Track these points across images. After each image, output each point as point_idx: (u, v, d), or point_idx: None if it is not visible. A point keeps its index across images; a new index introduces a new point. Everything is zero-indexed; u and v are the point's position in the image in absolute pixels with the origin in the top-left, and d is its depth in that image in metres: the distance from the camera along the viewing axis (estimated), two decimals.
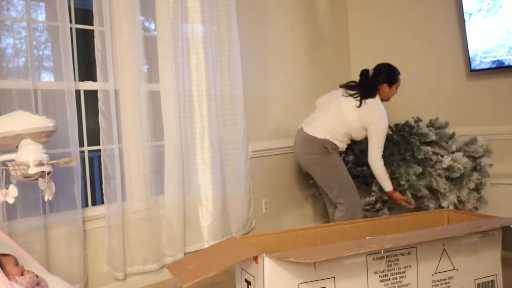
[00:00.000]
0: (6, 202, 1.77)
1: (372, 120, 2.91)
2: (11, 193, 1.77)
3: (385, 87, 3.01)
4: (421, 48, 3.84)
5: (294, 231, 2.13)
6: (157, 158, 2.81)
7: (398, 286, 1.84)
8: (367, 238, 1.93)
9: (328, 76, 3.99)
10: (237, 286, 1.91)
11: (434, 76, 3.78)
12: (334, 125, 2.95)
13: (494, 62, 3.39)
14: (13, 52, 2.31)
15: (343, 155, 3.21)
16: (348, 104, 2.96)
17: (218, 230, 3.02)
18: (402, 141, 3.08)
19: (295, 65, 3.75)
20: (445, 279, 1.93)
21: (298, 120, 3.21)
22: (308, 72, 3.85)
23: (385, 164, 2.97)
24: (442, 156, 3.00)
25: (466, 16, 3.47)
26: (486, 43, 3.40)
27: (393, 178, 3.03)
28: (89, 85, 2.64)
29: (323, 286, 1.72)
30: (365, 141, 3.07)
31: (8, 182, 1.81)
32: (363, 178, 3.24)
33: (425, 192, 2.99)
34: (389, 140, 3.06)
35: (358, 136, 3.02)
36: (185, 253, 2.90)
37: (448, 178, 2.98)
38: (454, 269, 1.94)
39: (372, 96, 2.95)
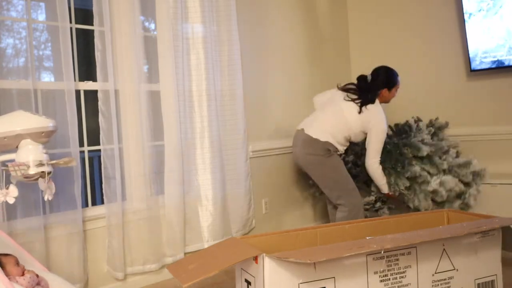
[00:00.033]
0: (6, 202, 1.77)
1: (372, 125, 2.92)
2: (12, 193, 1.77)
3: (385, 92, 3.02)
4: (421, 48, 3.84)
5: (294, 231, 2.13)
6: (157, 158, 2.81)
7: (398, 286, 1.85)
8: (367, 238, 1.93)
9: (328, 76, 3.99)
10: (237, 286, 1.91)
11: (434, 76, 3.78)
12: (335, 128, 2.96)
13: (494, 62, 3.39)
14: (13, 52, 2.31)
15: (343, 155, 3.21)
16: (349, 109, 2.96)
17: (218, 230, 3.02)
18: (394, 151, 3.05)
19: (295, 65, 3.75)
20: (445, 279, 1.93)
21: (298, 120, 3.21)
22: (308, 72, 3.85)
23: None
24: (431, 175, 3.00)
25: (466, 16, 3.47)
26: (486, 43, 3.40)
27: None
28: (89, 85, 2.64)
29: (323, 286, 1.72)
30: (361, 144, 3.08)
31: (8, 182, 1.81)
32: (363, 178, 3.24)
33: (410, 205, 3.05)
34: (383, 148, 3.05)
35: (357, 139, 3.04)
36: (185, 253, 2.90)
37: (433, 199, 3.01)
38: (454, 269, 1.94)
39: (372, 102, 2.96)
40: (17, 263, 1.82)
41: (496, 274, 2.04)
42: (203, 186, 3.00)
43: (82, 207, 2.50)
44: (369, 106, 2.94)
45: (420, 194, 2.97)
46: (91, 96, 2.72)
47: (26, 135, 1.80)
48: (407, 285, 1.86)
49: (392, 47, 4.00)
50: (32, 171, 1.80)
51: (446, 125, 3.31)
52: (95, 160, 3.42)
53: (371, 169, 2.98)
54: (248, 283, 1.79)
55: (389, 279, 1.83)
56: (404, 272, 1.85)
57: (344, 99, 3.01)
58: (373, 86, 3.00)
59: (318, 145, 2.93)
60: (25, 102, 2.29)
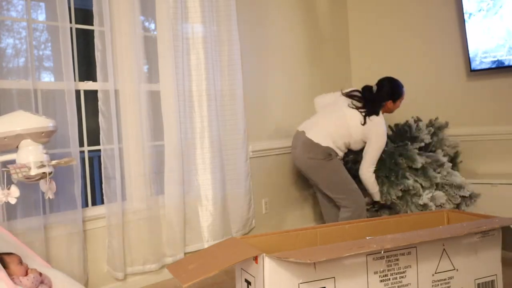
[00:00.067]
0: (7, 202, 1.77)
1: (373, 135, 2.94)
2: (13, 194, 1.77)
3: (389, 103, 3.05)
4: (421, 48, 3.84)
5: (294, 231, 2.13)
6: (157, 158, 2.81)
7: (398, 286, 1.84)
8: (367, 238, 1.93)
9: (328, 76, 3.99)
10: (237, 286, 1.91)
11: (434, 76, 3.78)
12: (337, 134, 2.97)
13: (494, 62, 3.39)
14: (13, 52, 2.31)
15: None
16: (353, 116, 2.97)
17: (218, 230, 3.02)
18: (389, 160, 3.04)
19: (295, 65, 3.75)
20: (445, 279, 1.93)
21: (298, 120, 3.21)
22: (308, 72, 3.85)
23: None
24: (424, 189, 3.00)
25: (466, 16, 3.47)
26: (486, 43, 3.40)
27: None
28: (89, 85, 2.64)
29: (323, 286, 1.72)
30: (359, 152, 3.09)
31: (9, 182, 1.81)
32: None
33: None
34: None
35: (355, 147, 3.06)
36: (185, 253, 2.90)
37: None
38: (454, 269, 1.94)
39: (376, 114, 2.97)
40: (20, 262, 1.82)
41: (496, 274, 2.04)
42: (203, 186, 3.00)
43: (82, 207, 2.50)
44: (373, 117, 2.95)
45: (411, 206, 2.98)
46: (91, 96, 2.72)
47: (26, 135, 1.80)
48: (407, 285, 1.86)
49: (392, 47, 4.00)
50: (33, 172, 1.80)
51: (446, 125, 3.31)
52: (95, 160, 3.42)
53: (364, 178, 3.00)
54: (248, 283, 1.79)
55: (389, 279, 1.83)
56: (404, 272, 1.85)
57: (348, 106, 3.01)
58: (378, 97, 3.01)
59: (319, 150, 2.94)
60: (25, 102, 2.29)
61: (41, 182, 1.84)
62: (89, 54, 2.86)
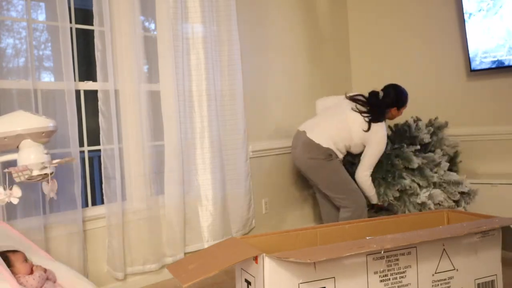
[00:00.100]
0: (8, 202, 1.77)
1: (373, 140, 2.95)
2: (15, 194, 1.77)
3: (394, 110, 3.07)
4: (421, 48, 3.84)
5: (294, 231, 2.13)
6: (157, 158, 2.81)
7: (398, 286, 1.85)
8: (367, 238, 1.93)
9: (328, 76, 3.99)
10: (237, 286, 1.91)
11: (434, 76, 3.79)
12: (338, 136, 2.97)
13: (494, 62, 3.39)
14: (13, 52, 2.31)
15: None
16: (355, 120, 2.97)
17: (218, 230, 3.02)
18: (386, 161, 3.04)
19: (295, 65, 3.75)
20: (445, 279, 1.93)
21: (298, 120, 3.21)
22: (308, 72, 3.85)
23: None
24: (421, 188, 3.00)
25: (466, 16, 3.48)
26: (486, 43, 3.40)
27: None
28: (89, 85, 2.64)
29: (323, 286, 1.72)
30: (356, 154, 3.09)
31: (10, 183, 1.81)
32: None
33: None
34: None
35: (355, 150, 3.06)
36: (185, 253, 2.90)
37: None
38: (454, 269, 1.94)
39: (380, 120, 2.98)
40: (25, 259, 1.82)
41: (496, 274, 2.04)
42: (203, 186, 3.00)
43: (82, 207, 2.50)
44: (376, 123, 2.96)
45: (410, 205, 2.98)
46: (91, 96, 2.72)
47: (26, 135, 1.81)
48: (407, 285, 1.86)
49: (392, 47, 4.00)
50: (35, 174, 1.80)
51: (446, 124, 3.31)
52: (95, 160, 3.42)
53: (360, 181, 3.00)
54: (248, 283, 1.79)
55: (389, 279, 1.83)
56: (404, 272, 1.85)
57: (352, 109, 3.01)
58: (384, 104, 3.02)
59: (319, 150, 2.94)
60: (25, 102, 2.29)
61: (43, 184, 1.85)
62: (89, 54, 2.86)
